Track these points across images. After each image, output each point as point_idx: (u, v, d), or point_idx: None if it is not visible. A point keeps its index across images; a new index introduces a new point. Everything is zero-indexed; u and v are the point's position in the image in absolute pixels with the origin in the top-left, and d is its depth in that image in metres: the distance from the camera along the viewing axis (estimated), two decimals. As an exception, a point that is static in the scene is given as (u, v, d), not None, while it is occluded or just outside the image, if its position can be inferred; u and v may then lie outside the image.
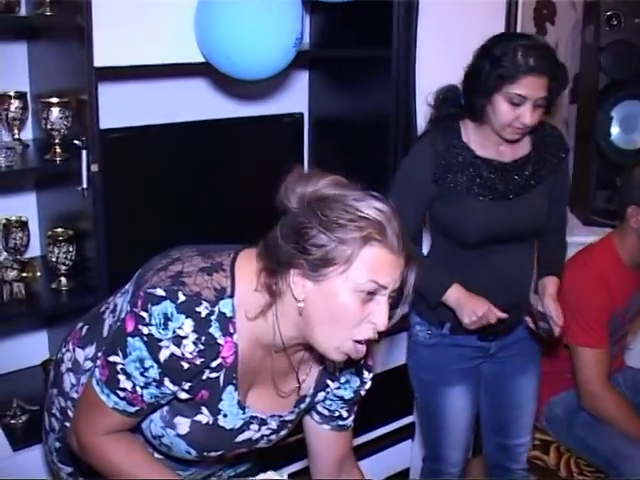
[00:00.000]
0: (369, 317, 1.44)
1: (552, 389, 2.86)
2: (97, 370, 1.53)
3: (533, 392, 2.64)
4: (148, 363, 1.45)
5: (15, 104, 2.39)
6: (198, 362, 1.45)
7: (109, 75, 2.43)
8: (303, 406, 1.71)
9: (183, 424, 1.56)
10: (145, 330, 1.43)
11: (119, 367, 1.48)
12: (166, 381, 1.46)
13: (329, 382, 1.71)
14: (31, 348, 2.65)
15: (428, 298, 2.38)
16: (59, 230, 2.45)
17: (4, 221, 2.46)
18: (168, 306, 1.42)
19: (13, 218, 2.47)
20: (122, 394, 1.49)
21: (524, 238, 2.45)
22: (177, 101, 2.73)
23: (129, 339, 1.45)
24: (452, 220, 2.37)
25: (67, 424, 1.72)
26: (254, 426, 1.64)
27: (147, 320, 1.43)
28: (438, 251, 2.48)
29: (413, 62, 2.83)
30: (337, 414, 1.77)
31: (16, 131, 2.42)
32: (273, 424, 1.67)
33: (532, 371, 2.63)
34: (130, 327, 1.45)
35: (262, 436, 1.68)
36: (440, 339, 2.49)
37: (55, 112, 2.31)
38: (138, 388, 1.48)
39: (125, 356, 1.47)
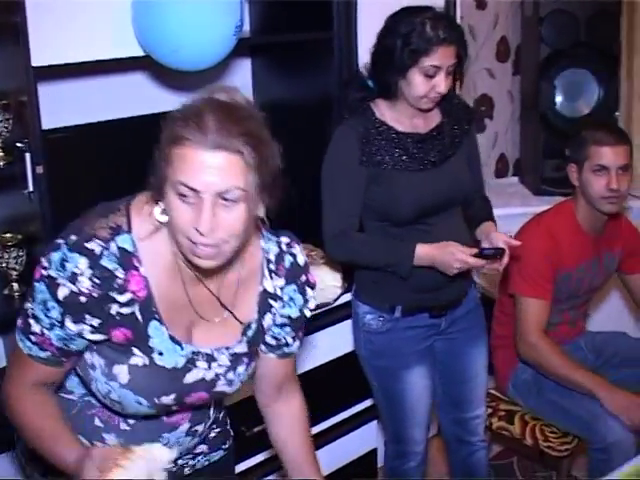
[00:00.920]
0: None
1: (516, 355, 2.87)
2: (18, 320, 1.58)
3: (484, 363, 2.71)
4: (50, 304, 1.50)
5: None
6: (95, 295, 1.49)
7: (49, 74, 2.39)
8: (250, 333, 1.71)
9: (122, 372, 1.58)
10: (45, 273, 1.49)
11: (30, 312, 1.54)
12: (67, 321, 1.50)
13: (272, 302, 1.72)
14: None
15: (399, 270, 2.40)
16: (7, 235, 2.42)
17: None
18: (64, 249, 1.48)
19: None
20: (33, 338, 1.54)
21: (454, 205, 2.51)
22: (120, 96, 2.70)
23: (35, 284, 1.52)
24: (385, 200, 2.40)
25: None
26: (201, 363, 1.65)
27: (47, 265, 1.49)
28: (374, 234, 2.48)
29: (355, 43, 2.82)
30: (283, 341, 1.79)
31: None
32: (224, 359, 1.68)
33: (482, 343, 2.69)
34: (37, 275, 1.51)
35: (217, 375, 1.68)
36: (394, 324, 2.52)
37: (-6, 115, 2.27)
38: (45, 331, 1.52)
39: (33, 300, 1.53)
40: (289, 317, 1.76)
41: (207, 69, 2.43)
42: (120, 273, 1.51)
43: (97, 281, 1.48)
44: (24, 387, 1.59)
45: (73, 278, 1.47)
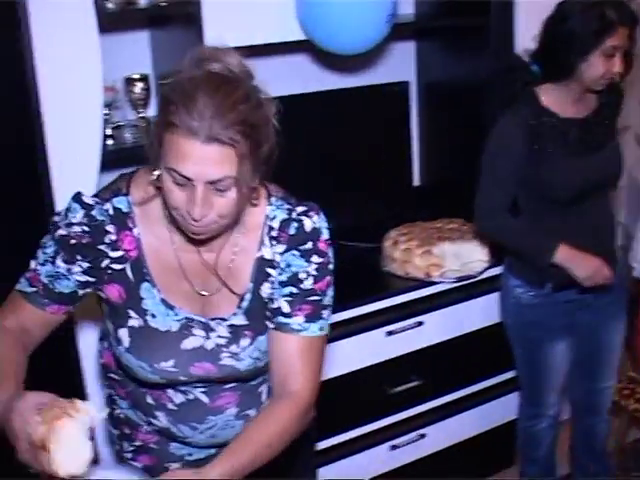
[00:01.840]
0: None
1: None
2: None
3: (620, 337, 2.79)
4: (48, 243, 1.63)
5: (139, 86, 2.65)
6: (84, 241, 1.60)
7: None
8: (245, 304, 1.65)
9: (124, 336, 1.64)
10: (53, 219, 1.65)
11: (36, 254, 1.66)
12: (58, 259, 1.61)
13: (270, 270, 1.65)
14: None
15: (537, 261, 2.53)
16: None
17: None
18: (71, 201, 1.62)
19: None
20: (27, 274, 1.66)
21: (606, 189, 2.62)
22: (284, 75, 2.88)
23: (46, 235, 1.66)
24: (545, 182, 2.49)
25: (110, 391, 1.86)
26: (198, 331, 1.65)
27: (57, 214, 1.65)
28: (528, 214, 2.60)
29: (511, 29, 2.93)
30: (277, 306, 1.64)
31: (140, 110, 2.69)
32: (222, 330, 1.65)
33: (621, 317, 2.77)
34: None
35: (219, 346, 1.65)
36: (543, 299, 2.63)
37: (176, 92, 2.55)
38: (39, 267, 1.63)
39: (39, 247, 1.66)
40: (288, 279, 1.64)
41: (364, 53, 2.62)
42: (111, 228, 1.59)
43: (87, 229, 1.59)
44: (4, 322, 1.63)
45: (69, 225, 1.60)
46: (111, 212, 1.60)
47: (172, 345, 1.65)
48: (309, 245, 1.64)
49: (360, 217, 3.18)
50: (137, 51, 2.75)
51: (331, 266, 1.68)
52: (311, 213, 1.65)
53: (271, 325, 1.66)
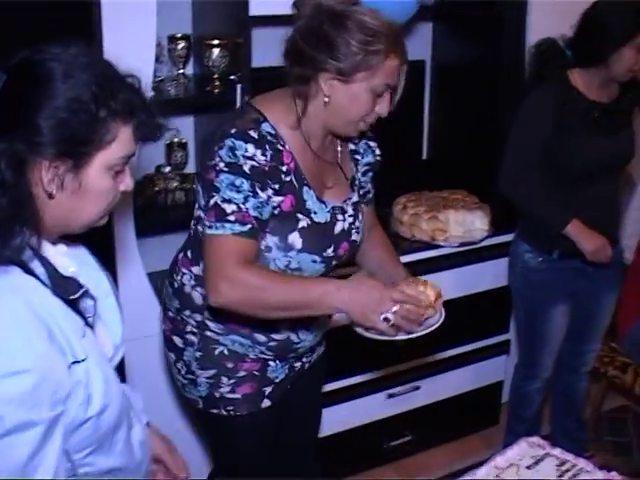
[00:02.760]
0: (376, 109, 1.91)
1: (636, 314, 3.16)
2: (205, 221, 1.86)
3: (612, 307, 3.05)
4: (238, 182, 1.83)
5: (181, 44, 2.86)
6: (269, 166, 1.86)
7: (262, 22, 2.77)
8: (356, 184, 2.14)
9: (295, 239, 1.94)
10: (222, 165, 1.83)
11: (219, 201, 1.83)
12: (257, 189, 1.84)
13: (356, 157, 2.15)
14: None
15: (550, 230, 2.79)
16: None
17: (168, 142, 2.96)
18: (228, 142, 1.84)
19: (175, 140, 2.98)
20: (232, 218, 1.82)
21: (617, 169, 2.88)
22: None
23: (215, 181, 1.84)
24: (565, 157, 2.73)
25: (207, 333, 2.07)
26: (339, 216, 2.04)
27: (219, 160, 1.84)
28: (544, 186, 2.80)
29: (523, 16, 3.17)
30: (367, 188, 2.21)
31: (181, 66, 2.89)
32: (349, 209, 2.07)
33: (615, 290, 3.03)
34: (212, 174, 1.84)
35: (350, 224, 2.06)
36: (550, 264, 2.88)
37: (215, 52, 2.76)
38: (241, 205, 1.83)
39: (218, 192, 1.83)
40: (368, 164, 2.18)
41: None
42: (280, 147, 1.90)
43: (267, 155, 1.86)
44: (237, 267, 1.81)
45: (250, 157, 1.83)
46: (268, 137, 1.88)
47: (329, 233, 2.01)
48: (369, 133, 2.14)
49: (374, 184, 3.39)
50: (180, 13, 2.94)
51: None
52: None
53: (363, 206, 2.17)
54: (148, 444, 1.58)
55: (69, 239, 1.49)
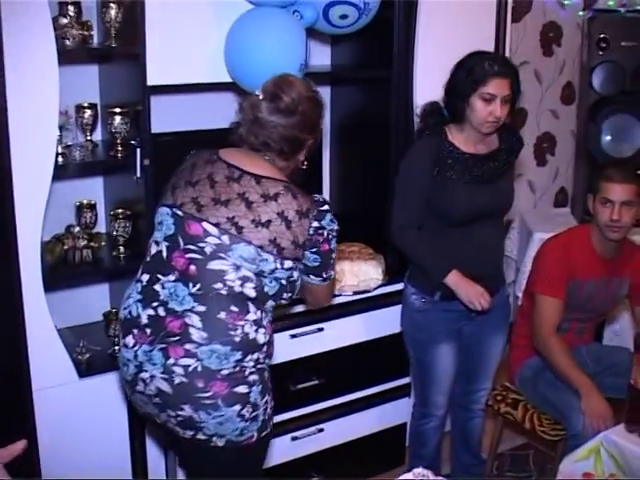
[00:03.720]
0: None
1: (525, 354, 3.38)
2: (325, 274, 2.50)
3: (500, 348, 3.27)
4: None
5: (88, 112, 3.04)
6: None
7: (159, 91, 3.00)
8: None
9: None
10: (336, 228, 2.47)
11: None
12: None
13: None
14: (95, 301, 3.31)
15: (431, 278, 2.99)
16: (119, 210, 3.07)
17: (78, 203, 3.13)
18: (328, 215, 2.47)
19: (85, 201, 3.15)
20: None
21: (497, 215, 3.09)
22: (212, 110, 3.29)
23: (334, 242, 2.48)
24: (445, 205, 2.95)
25: (259, 366, 2.32)
26: None
27: (328, 229, 2.46)
28: (430, 231, 3.02)
29: (411, 79, 3.42)
30: None
31: (88, 133, 3.08)
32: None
33: (503, 331, 3.24)
34: (328, 245, 2.48)
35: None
36: (432, 305, 3.08)
37: (117, 119, 2.96)
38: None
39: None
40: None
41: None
42: None
43: None
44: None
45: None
46: None
47: None
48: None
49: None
50: (87, 82, 3.14)
51: None
52: None
53: None
54: None
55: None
